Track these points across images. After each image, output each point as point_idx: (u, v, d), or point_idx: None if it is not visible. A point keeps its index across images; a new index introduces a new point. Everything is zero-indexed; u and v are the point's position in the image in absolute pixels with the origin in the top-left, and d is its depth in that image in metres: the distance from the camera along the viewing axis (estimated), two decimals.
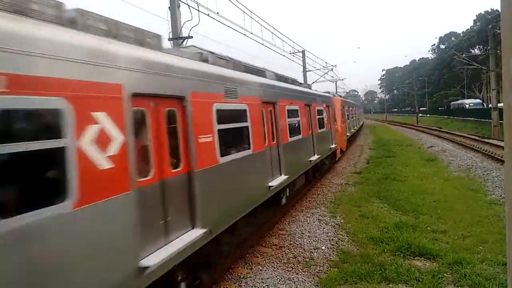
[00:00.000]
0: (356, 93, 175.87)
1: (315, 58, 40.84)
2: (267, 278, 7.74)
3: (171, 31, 12.85)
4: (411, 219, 10.75)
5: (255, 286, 7.45)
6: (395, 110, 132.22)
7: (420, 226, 10.10)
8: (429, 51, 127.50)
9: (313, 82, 33.11)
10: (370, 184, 16.17)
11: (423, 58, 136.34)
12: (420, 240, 8.97)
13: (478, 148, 25.80)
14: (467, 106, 70.29)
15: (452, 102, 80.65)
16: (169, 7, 12.82)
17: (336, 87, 57.81)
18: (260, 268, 8.28)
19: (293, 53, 32.52)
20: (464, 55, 54.74)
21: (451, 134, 39.74)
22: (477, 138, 32.47)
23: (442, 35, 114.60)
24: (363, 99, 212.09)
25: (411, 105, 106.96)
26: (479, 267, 7.46)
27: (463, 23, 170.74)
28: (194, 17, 11.97)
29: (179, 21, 13.00)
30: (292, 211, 12.75)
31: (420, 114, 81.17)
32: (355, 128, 39.82)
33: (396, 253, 8.44)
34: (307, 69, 36.10)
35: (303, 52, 35.41)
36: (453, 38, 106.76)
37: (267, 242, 9.80)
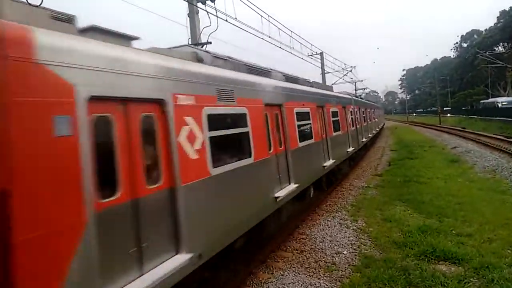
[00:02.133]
0: (376, 94, 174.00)
1: (333, 60, 40.63)
2: (289, 283, 7.71)
3: (190, 37, 13.03)
4: (435, 222, 10.52)
5: None
6: (420, 110, 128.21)
7: (444, 229, 9.87)
8: (451, 49, 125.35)
9: (332, 84, 32.89)
10: (392, 187, 15.91)
11: (445, 57, 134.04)
12: (445, 243, 8.77)
13: (504, 148, 25.04)
14: (499, 105, 61.51)
15: (481, 101, 76.12)
16: (188, 14, 13.01)
17: (356, 88, 57.33)
18: (282, 273, 8.26)
19: (311, 55, 32.41)
20: (487, 53, 53.37)
21: (475, 134, 38.73)
22: (503, 138, 31.53)
23: (464, 34, 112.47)
24: (383, 99, 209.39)
25: (433, 105, 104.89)
26: (507, 271, 7.25)
27: (485, 20, 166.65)
28: (213, 23, 12.09)
29: (198, 28, 13.18)
30: (312, 214, 12.66)
31: (445, 114, 79.23)
32: (374, 132, 35.24)
33: (420, 258, 8.28)
34: (326, 71, 35.87)
35: (321, 54, 35.24)
36: (475, 36, 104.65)
37: (288, 247, 9.76)
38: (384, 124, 61.66)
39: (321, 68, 35.59)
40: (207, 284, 6.55)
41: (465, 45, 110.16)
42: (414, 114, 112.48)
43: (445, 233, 9.62)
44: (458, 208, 11.87)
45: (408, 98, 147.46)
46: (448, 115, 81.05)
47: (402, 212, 11.92)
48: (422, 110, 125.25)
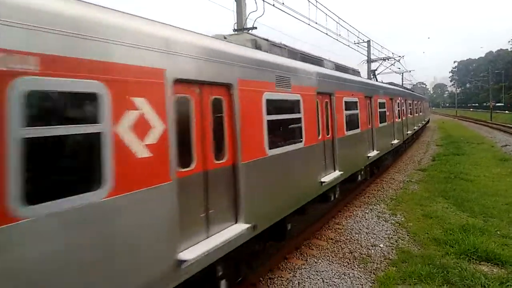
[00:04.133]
0: (424, 85, 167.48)
1: (381, 49, 39.33)
2: (322, 271, 7.72)
3: (236, 22, 13.06)
4: (480, 222, 10.11)
5: (309, 278, 7.47)
6: (475, 104, 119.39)
7: (489, 229, 9.47)
8: (509, 42, 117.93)
9: (378, 74, 31.94)
10: (435, 183, 15.37)
11: (501, 49, 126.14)
12: (488, 244, 8.42)
13: None
14: None
15: None
16: None
17: (402, 79, 55.43)
18: (315, 260, 8.28)
19: (358, 43, 31.56)
20: None
21: None
22: None
23: None
24: (431, 92, 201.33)
25: (485, 100, 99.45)
26: None
27: None
28: (259, 8, 12.05)
29: (244, 12, 13.16)
30: (350, 206, 12.53)
31: (497, 110, 74.97)
32: (415, 128, 30.48)
33: (461, 256, 8.01)
34: (372, 59, 34.81)
35: (368, 42, 34.21)
36: None
37: (323, 236, 9.74)
38: (429, 119, 56.17)
39: (368, 56, 34.60)
40: (242, 262, 6.65)
41: None
42: (472, 110, 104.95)
43: (489, 233, 9.23)
44: (505, 209, 11.32)
45: (458, 91, 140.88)
46: (498, 111, 76.24)
47: (444, 209, 11.53)
48: (477, 104, 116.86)
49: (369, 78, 26.83)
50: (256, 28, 12.39)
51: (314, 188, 8.85)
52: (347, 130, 11.29)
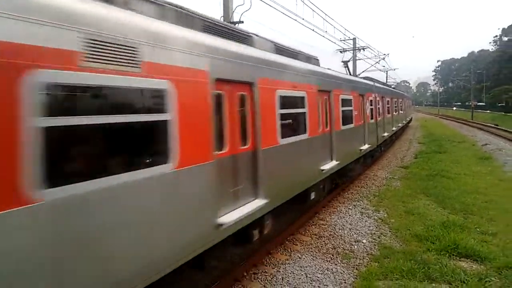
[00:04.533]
0: (408, 84, 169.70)
1: (366, 46, 39.53)
2: (306, 266, 7.76)
3: (223, 15, 12.95)
4: (460, 219, 10.30)
5: (293, 273, 7.50)
6: (458, 103, 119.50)
7: (468, 226, 9.66)
8: (490, 43, 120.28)
9: (363, 71, 32.18)
10: (417, 180, 15.61)
11: (483, 50, 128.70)
12: (468, 241, 8.58)
13: None
14: None
15: None
16: None
17: (387, 76, 55.93)
18: (299, 255, 8.32)
19: (344, 40, 31.69)
20: None
21: (509, 132, 37.41)
22: None
23: (506, 26, 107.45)
24: (415, 90, 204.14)
25: (467, 99, 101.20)
26: None
27: None
28: (246, 2, 11.97)
29: (231, 6, 13.06)
30: (333, 202, 12.63)
31: (479, 110, 76.33)
32: (394, 129, 27.17)
33: (441, 253, 8.15)
34: (357, 58, 35.05)
35: (353, 39, 34.38)
36: None
37: (307, 231, 9.80)
38: (411, 119, 55.98)
39: (353, 54, 34.80)
40: (225, 257, 6.89)
41: (505, 38, 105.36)
42: (454, 109, 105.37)
43: (469, 230, 9.42)
44: (484, 206, 11.57)
45: (441, 90, 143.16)
46: (479, 110, 77.65)
47: (426, 206, 11.72)
48: (460, 104, 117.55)
49: (353, 75, 25.95)
50: (243, 22, 12.33)
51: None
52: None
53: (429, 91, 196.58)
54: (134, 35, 4.18)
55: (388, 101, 24.54)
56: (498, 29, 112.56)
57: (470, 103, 77.58)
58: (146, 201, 4.25)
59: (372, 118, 18.24)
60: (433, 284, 6.89)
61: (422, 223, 10.02)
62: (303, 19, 16.39)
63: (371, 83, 20.06)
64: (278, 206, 7.84)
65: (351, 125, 13.92)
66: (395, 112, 29.19)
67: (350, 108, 13.85)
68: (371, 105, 18.15)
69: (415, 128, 47.14)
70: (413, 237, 9.15)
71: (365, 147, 15.85)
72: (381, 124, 21.15)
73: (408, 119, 46.14)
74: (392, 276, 7.20)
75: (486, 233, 9.30)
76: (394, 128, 26.72)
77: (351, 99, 14.05)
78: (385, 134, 22.11)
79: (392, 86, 41.02)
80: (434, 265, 7.48)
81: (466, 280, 6.91)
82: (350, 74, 15.86)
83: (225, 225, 5.63)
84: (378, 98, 20.33)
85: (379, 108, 20.64)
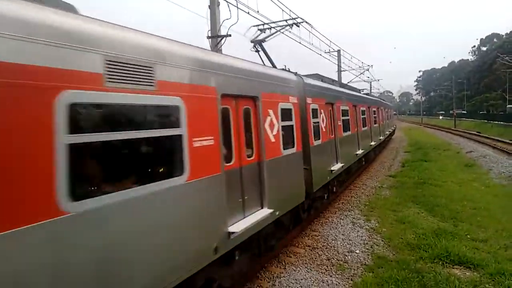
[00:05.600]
0: (391, 94, 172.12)
1: (350, 58, 40.20)
2: (301, 279, 7.71)
3: (210, 29, 12.98)
4: (450, 226, 10.42)
5: (288, 286, 7.44)
6: (442, 112, 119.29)
7: (459, 233, 9.77)
8: (469, 52, 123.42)
9: (348, 82, 32.56)
10: (405, 188, 15.77)
11: (462, 60, 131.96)
12: (460, 248, 8.68)
13: None
14: None
15: (508, 106, 71.38)
16: (209, 6, 12.94)
17: (371, 87, 56.68)
18: (294, 268, 8.26)
19: (329, 52, 32.08)
20: (507, 57, 52.34)
21: (491, 140, 38.19)
22: None
23: (484, 37, 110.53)
24: (398, 100, 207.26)
25: (448, 108, 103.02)
26: None
27: (506, 24, 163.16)
28: (233, 15, 12.01)
29: (218, 20, 13.11)
30: (325, 212, 12.63)
31: (462, 118, 77.50)
32: (372, 144, 22.22)
33: (434, 261, 8.21)
34: (342, 69, 35.51)
35: (338, 51, 34.83)
36: (495, 40, 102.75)
37: (300, 243, 9.76)
38: (394, 129, 49.48)
39: (338, 65, 35.24)
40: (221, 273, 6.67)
41: (484, 48, 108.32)
42: (441, 117, 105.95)
43: (460, 237, 9.52)
44: (473, 213, 11.74)
45: (423, 99, 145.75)
46: (463, 119, 79.08)
47: (416, 214, 11.82)
48: (444, 112, 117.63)
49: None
50: (230, 35, 12.35)
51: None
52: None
53: (412, 100, 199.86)
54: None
55: (363, 110, 20.18)
56: (477, 39, 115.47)
57: (452, 112, 79.00)
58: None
59: (347, 131, 15.18)
60: None
61: (413, 232, 10.09)
62: (290, 31, 16.48)
63: (339, 89, 15.89)
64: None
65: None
66: (376, 123, 25.35)
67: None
68: (344, 115, 15.01)
69: (401, 137, 47.72)
70: (405, 245, 9.19)
71: (337, 166, 12.70)
72: (351, 141, 16.23)
73: (390, 130, 39.57)
74: (387, 286, 7.19)
75: (477, 239, 9.41)
76: (372, 143, 22.31)
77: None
78: (359, 152, 17.23)
79: (377, 96, 41.15)
80: (428, 274, 7.52)
81: (460, 287, 6.95)
82: (273, 65, 11.47)
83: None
84: (350, 108, 16.14)
85: (354, 120, 17.00)
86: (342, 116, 14.46)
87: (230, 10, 12.15)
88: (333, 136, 13.00)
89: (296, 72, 10.91)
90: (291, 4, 16.22)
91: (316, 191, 10.53)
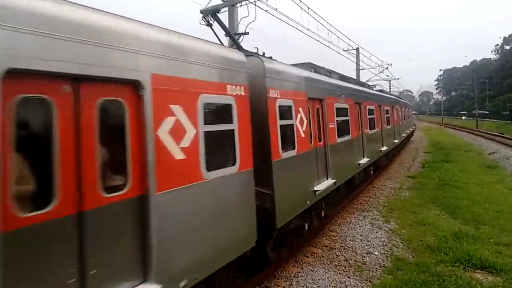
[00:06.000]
0: (410, 93, 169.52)
1: (369, 56, 39.71)
2: (318, 279, 7.66)
3: (228, 27, 12.99)
4: (472, 229, 10.19)
5: (306, 286, 7.40)
6: (464, 112, 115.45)
7: (481, 237, 9.54)
8: (492, 51, 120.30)
9: (367, 81, 32.19)
10: (426, 190, 15.49)
11: (485, 58, 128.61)
12: (482, 252, 8.48)
13: None
14: None
15: None
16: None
17: (390, 86, 55.92)
18: (311, 268, 8.22)
19: (347, 50, 31.78)
20: None
21: None
22: None
23: (507, 35, 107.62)
24: (418, 99, 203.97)
25: (470, 108, 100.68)
26: None
27: None
28: (251, 13, 11.98)
29: (236, 18, 13.12)
30: (343, 212, 12.52)
31: (486, 118, 75.79)
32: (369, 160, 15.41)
33: (455, 264, 8.04)
34: (361, 67, 35.11)
35: (357, 49, 34.46)
36: None
37: (318, 243, 9.69)
38: (413, 131, 44.69)
39: (356, 63, 34.88)
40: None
41: (507, 47, 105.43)
42: (463, 118, 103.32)
43: (482, 241, 9.30)
44: (496, 216, 11.44)
45: (444, 99, 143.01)
46: (484, 119, 77.16)
47: (436, 216, 11.61)
48: (466, 112, 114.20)
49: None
50: (248, 33, 12.33)
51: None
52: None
53: (432, 100, 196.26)
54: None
55: (372, 109, 16.72)
56: (500, 38, 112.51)
57: (474, 112, 77.24)
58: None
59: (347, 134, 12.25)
60: None
61: (433, 234, 9.91)
62: (308, 29, 16.41)
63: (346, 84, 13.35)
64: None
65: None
66: (388, 125, 20.96)
67: None
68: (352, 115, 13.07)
69: (421, 137, 46.96)
70: (425, 248, 9.03)
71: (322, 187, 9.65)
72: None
73: (406, 132, 32.63)
74: None
75: (500, 243, 9.18)
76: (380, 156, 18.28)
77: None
78: (362, 161, 13.91)
79: (396, 95, 40.02)
80: (449, 277, 7.37)
81: None
82: (235, 43, 9.21)
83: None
84: (355, 107, 13.62)
85: (360, 120, 14.41)
86: (338, 116, 11.04)
87: (248, 8, 12.15)
88: (321, 143, 9.75)
89: (257, 53, 8.06)
90: (310, 2, 16.11)
91: (288, 222, 7.74)
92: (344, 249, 9.30)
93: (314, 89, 9.48)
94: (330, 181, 9.75)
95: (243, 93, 6.23)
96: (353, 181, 13.27)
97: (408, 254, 8.80)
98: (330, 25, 21.01)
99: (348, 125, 12.24)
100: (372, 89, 21.98)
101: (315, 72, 10.69)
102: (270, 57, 8.25)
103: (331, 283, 7.53)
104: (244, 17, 12.43)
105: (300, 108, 8.42)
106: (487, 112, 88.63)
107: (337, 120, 11.00)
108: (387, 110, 20.82)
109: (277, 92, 7.44)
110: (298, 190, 8.19)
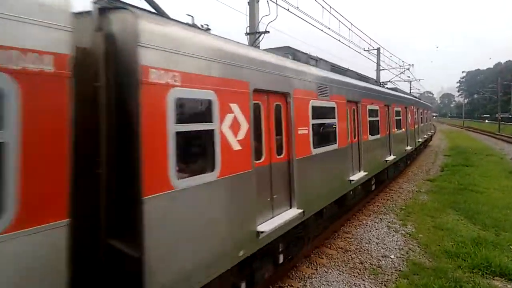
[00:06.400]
0: (431, 95, 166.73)
1: (390, 56, 39.15)
2: (333, 281, 7.61)
3: (249, 25, 13.01)
4: (491, 235, 9.96)
5: None
6: (487, 115, 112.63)
7: (501, 243, 9.32)
8: None
9: (388, 81, 31.77)
10: (444, 194, 15.20)
11: (509, 61, 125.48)
12: (501, 259, 8.29)
13: None
14: None
15: None
16: (248, 2, 12.96)
17: (411, 87, 55.10)
18: (325, 270, 8.17)
19: (368, 50, 31.43)
20: None
21: None
22: None
23: None
24: (439, 102, 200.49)
25: (492, 112, 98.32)
26: None
27: None
28: (272, 12, 11.98)
29: (257, 16, 13.12)
30: (359, 214, 12.41)
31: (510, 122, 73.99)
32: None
33: (474, 271, 7.88)
34: (381, 68, 34.64)
35: (378, 49, 34.02)
36: None
37: (333, 244, 9.64)
38: (431, 136, 41.68)
39: (377, 64, 34.44)
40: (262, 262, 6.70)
41: None
42: (487, 121, 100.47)
43: (502, 247, 9.08)
44: None
45: (465, 102, 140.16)
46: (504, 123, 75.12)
47: (455, 221, 11.39)
48: (489, 115, 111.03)
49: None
50: (268, 32, 12.32)
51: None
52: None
53: (454, 102, 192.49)
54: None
55: (384, 111, 15.00)
56: None
57: (497, 116, 75.39)
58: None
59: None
60: None
61: (452, 239, 9.73)
62: (329, 28, 16.32)
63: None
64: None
65: None
66: (394, 129, 17.18)
67: None
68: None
69: (440, 140, 46.15)
70: (443, 253, 8.88)
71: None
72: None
73: (422, 139, 28.82)
74: None
75: None
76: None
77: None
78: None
79: (417, 97, 38.84)
80: (467, 284, 7.24)
81: None
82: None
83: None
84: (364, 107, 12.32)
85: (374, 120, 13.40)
86: (316, 118, 8.34)
87: (269, 7, 12.15)
88: (286, 156, 7.17)
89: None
90: (332, 1, 16.00)
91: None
92: (359, 251, 9.21)
93: (271, 80, 6.77)
94: (294, 211, 7.21)
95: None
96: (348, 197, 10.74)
97: (425, 259, 8.67)
98: (352, 24, 20.85)
99: (335, 131, 9.59)
100: (384, 87, 19.97)
101: (293, 58, 8.85)
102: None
103: (345, 285, 7.47)
104: (265, 15, 12.45)
105: (235, 104, 5.60)
106: (511, 116, 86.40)
107: (314, 124, 8.38)
108: (398, 112, 18.33)
109: (169, 76, 4.33)
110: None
